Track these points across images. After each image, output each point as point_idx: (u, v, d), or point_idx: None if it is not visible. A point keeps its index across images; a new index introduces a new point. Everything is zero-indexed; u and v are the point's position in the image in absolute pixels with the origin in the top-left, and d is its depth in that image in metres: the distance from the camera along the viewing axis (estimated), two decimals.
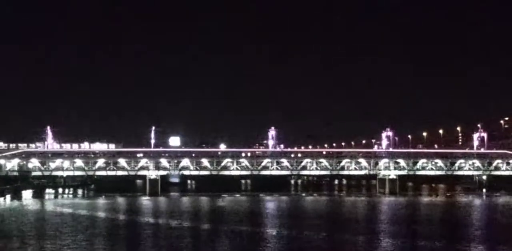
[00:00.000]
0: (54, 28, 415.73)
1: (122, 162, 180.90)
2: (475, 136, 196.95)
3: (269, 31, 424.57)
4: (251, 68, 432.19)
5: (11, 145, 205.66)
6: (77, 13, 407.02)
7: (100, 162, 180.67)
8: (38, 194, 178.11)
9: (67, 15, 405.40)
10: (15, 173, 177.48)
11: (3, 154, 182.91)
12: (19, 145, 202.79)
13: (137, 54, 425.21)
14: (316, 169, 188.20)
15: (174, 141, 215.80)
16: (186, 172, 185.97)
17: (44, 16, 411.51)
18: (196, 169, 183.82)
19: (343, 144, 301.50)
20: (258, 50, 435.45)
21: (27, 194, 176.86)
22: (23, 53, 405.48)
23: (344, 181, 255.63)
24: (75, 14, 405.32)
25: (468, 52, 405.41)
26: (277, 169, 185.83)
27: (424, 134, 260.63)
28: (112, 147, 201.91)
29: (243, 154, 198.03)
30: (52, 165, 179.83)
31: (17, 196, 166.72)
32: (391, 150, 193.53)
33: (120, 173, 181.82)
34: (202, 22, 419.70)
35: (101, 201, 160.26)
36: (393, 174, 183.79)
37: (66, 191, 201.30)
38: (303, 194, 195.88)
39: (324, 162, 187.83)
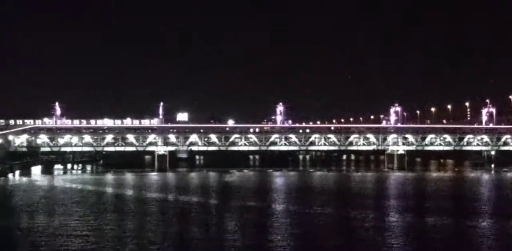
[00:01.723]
0: (63, 4, 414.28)
1: (130, 137, 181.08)
2: (484, 111, 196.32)
3: (277, 6, 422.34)
4: (260, 45, 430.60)
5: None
6: None
7: (109, 137, 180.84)
8: (47, 170, 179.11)
9: None
10: (24, 149, 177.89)
11: (12, 130, 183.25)
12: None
13: (145, 32, 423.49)
14: (324, 144, 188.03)
15: (182, 117, 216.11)
16: (194, 148, 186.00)
17: None
18: (205, 145, 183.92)
19: (351, 119, 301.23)
20: (265, 27, 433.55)
21: (36, 170, 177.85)
22: (32, 29, 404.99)
23: (353, 157, 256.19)
24: None
25: (476, 28, 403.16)
26: (285, 144, 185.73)
27: (433, 109, 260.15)
28: (154, 122, 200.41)
29: (251, 130, 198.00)
30: (61, 141, 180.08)
31: (26, 171, 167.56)
32: (399, 125, 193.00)
33: (128, 148, 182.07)
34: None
35: (110, 176, 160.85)
36: (401, 149, 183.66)
37: (75, 166, 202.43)
38: (311, 170, 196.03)
39: (332, 137, 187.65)
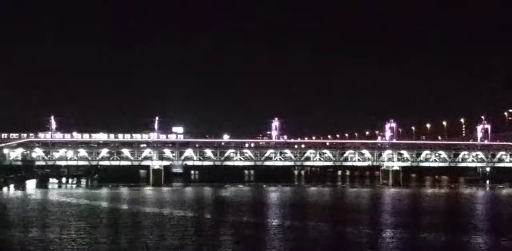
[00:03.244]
0: (57, 18, 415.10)
1: (125, 151, 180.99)
2: (479, 128, 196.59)
3: (273, 21, 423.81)
4: (254, 59, 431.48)
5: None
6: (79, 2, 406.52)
7: (104, 151, 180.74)
8: (42, 184, 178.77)
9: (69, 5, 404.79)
10: (19, 163, 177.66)
11: (7, 144, 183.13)
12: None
13: (140, 45, 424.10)
14: (320, 160, 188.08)
15: (178, 131, 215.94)
16: (189, 162, 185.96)
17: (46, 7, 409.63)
18: (200, 159, 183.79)
19: (346, 135, 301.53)
20: (261, 40, 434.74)
21: (30, 184, 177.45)
22: (25, 43, 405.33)
23: (348, 172, 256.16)
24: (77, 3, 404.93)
25: (472, 43, 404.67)
26: (280, 159, 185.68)
27: (428, 125, 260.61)
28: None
29: (247, 145, 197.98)
30: (56, 155, 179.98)
31: (20, 185, 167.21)
32: (394, 141, 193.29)
33: (123, 163, 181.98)
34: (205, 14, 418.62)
35: (105, 191, 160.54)
36: (396, 165, 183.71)
37: (70, 180, 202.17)
38: (307, 185, 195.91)
39: (327, 153, 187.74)
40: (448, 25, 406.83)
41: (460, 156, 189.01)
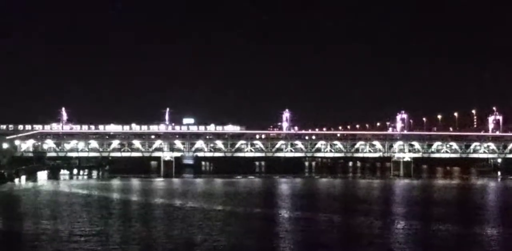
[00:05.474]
0: (67, 8, 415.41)
1: (136, 143, 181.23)
2: (490, 119, 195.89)
3: (283, 11, 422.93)
4: (265, 50, 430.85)
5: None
6: None
7: (115, 143, 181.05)
8: (53, 175, 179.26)
9: None
10: (30, 154, 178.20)
11: (19, 135, 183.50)
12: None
13: (151, 36, 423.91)
14: (331, 151, 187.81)
15: (189, 122, 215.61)
16: (200, 154, 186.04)
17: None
18: (211, 151, 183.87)
19: (357, 126, 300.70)
20: (271, 33, 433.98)
21: (42, 175, 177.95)
22: (37, 34, 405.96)
23: (359, 163, 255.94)
24: None
25: (483, 35, 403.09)
26: (291, 151, 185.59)
27: (439, 116, 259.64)
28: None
29: (257, 136, 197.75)
30: (67, 146, 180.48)
31: (32, 177, 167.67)
32: (405, 132, 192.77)
33: (134, 154, 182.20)
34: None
35: (116, 182, 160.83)
36: (407, 156, 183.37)
37: (81, 172, 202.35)
38: (317, 176, 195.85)
39: (338, 144, 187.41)
40: (457, 17, 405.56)
41: (472, 147, 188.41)
